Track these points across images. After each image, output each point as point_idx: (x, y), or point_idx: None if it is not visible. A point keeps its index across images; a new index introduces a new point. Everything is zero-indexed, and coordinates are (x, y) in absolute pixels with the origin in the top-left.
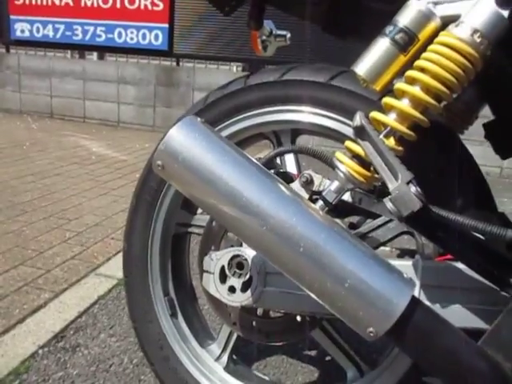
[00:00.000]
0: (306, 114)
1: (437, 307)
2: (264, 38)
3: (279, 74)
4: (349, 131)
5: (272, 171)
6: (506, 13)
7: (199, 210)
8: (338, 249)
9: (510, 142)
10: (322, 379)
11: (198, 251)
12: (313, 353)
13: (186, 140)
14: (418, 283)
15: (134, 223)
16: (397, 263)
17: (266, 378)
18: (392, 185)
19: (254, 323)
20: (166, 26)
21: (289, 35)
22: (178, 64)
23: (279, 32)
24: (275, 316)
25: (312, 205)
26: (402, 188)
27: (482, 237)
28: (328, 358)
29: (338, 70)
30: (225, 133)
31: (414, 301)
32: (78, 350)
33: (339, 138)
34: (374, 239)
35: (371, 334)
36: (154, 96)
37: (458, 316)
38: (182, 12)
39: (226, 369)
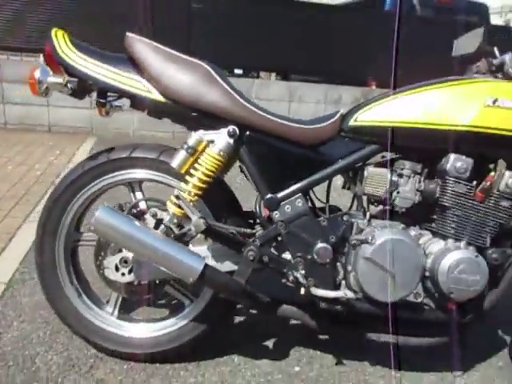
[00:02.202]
0: (147, 175)
1: (219, 264)
2: (106, 108)
3: (128, 152)
4: (172, 183)
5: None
6: (231, 140)
7: (85, 231)
8: (164, 247)
9: None
10: (175, 306)
11: (94, 256)
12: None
13: (106, 219)
14: (209, 254)
15: (43, 246)
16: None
17: (139, 317)
18: (193, 219)
19: (132, 289)
20: None
21: (125, 106)
22: None
23: (116, 104)
24: (144, 284)
25: (158, 232)
26: (196, 222)
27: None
28: None
29: (162, 149)
30: (97, 187)
31: (206, 265)
32: (2, 336)
33: (168, 186)
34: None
35: (191, 280)
36: None
37: (227, 265)
38: None
39: (118, 318)
